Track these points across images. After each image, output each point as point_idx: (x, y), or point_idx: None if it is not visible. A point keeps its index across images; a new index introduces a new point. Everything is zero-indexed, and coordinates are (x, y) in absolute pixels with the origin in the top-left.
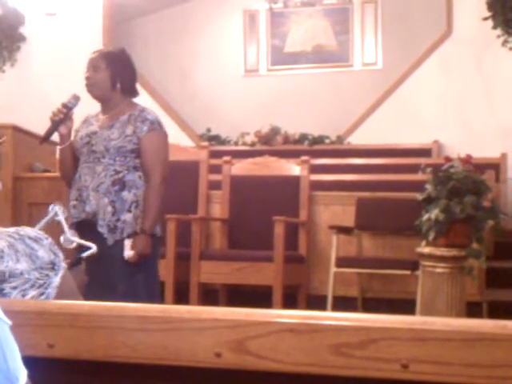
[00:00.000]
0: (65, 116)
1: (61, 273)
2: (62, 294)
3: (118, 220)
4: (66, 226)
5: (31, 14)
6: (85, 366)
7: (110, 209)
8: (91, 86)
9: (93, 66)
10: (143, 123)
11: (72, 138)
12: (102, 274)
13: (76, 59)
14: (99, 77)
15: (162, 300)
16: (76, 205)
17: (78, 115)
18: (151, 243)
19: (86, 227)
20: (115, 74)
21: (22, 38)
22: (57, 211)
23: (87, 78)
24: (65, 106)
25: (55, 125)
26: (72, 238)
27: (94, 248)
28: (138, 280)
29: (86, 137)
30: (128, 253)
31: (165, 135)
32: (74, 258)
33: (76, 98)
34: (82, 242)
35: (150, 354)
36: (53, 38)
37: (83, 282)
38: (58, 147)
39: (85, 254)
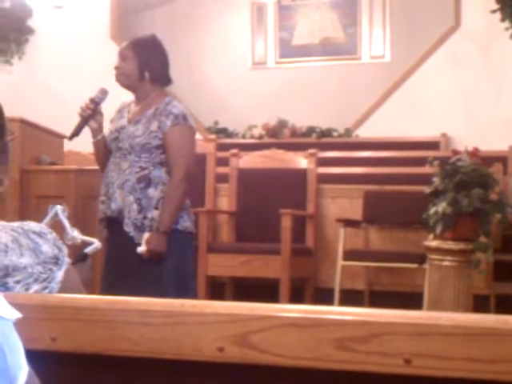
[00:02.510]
0: (93, 111)
1: (64, 267)
2: (65, 288)
3: (144, 218)
4: (67, 224)
5: (39, 7)
6: (87, 360)
7: (135, 207)
8: (120, 76)
9: (121, 55)
10: (167, 117)
11: (106, 129)
12: (128, 271)
13: (84, 52)
14: (127, 66)
15: (196, 295)
16: (104, 200)
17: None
18: (165, 241)
19: (114, 224)
20: (143, 63)
21: (30, 31)
22: (57, 211)
23: (116, 68)
24: (92, 100)
25: (84, 120)
26: (75, 236)
27: (97, 244)
28: (164, 279)
29: (115, 132)
30: (141, 248)
31: (189, 129)
32: (79, 254)
33: (104, 92)
34: (86, 238)
35: (153, 348)
36: (61, 31)
37: (89, 278)
38: (92, 141)
39: (89, 250)
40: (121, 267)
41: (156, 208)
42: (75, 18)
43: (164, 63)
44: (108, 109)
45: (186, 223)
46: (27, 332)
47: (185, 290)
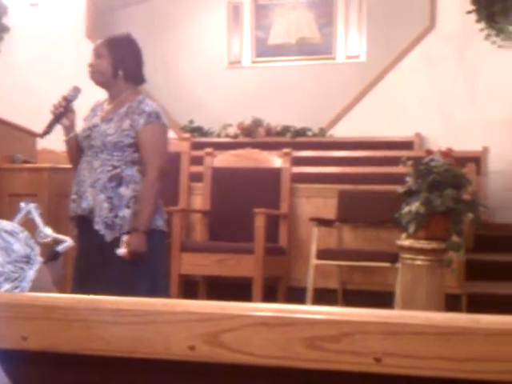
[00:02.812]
0: (65, 109)
1: (36, 267)
2: (36, 287)
3: (116, 216)
4: (39, 222)
5: (14, 5)
6: (59, 359)
7: (106, 205)
8: (94, 74)
9: (96, 53)
10: (140, 116)
11: (80, 127)
12: (100, 271)
13: (60, 50)
14: (101, 64)
15: (168, 294)
16: (75, 199)
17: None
18: (146, 241)
19: (84, 223)
20: (117, 61)
21: (6, 29)
22: (30, 209)
23: (90, 65)
24: (65, 98)
25: (56, 118)
26: (47, 233)
27: (69, 242)
28: (136, 277)
29: (88, 130)
30: (120, 250)
31: (162, 127)
32: (51, 252)
33: (76, 90)
34: (59, 236)
35: (125, 347)
36: (36, 29)
37: (60, 276)
38: (64, 139)
39: (61, 248)
40: (91, 266)
41: (127, 207)
42: (51, 15)
43: (138, 62)
44: (83, 106)
45: (158, 222)
46: None
47: (156, 290)
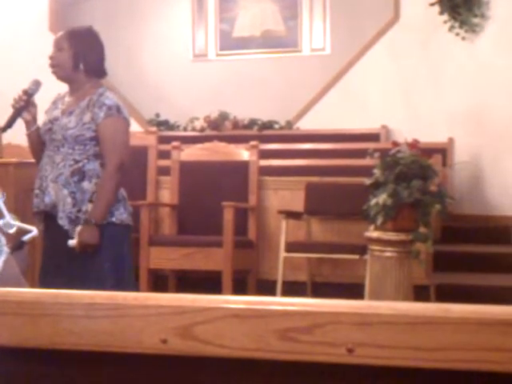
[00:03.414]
0: (26, 102)
1: (3, 257)
2: (4, 278)
3: (79, 211)
4: (5, 211)
5: None
6: (30, 354)
7: (69, 200)
8: (54, 67)
9: (57, 45)
10: (100, 109)
11: (41, 121)
12: (64, 265)
13: (21, 43)
14: (62, 57)
15: (136, 288)
16: (38, 194)
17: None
18: (97, 233)
19: (47, 218)
20: (78, 55)
21: None
22: None
23: (50, 58)
24: (25, 92)
25: (17, 112)
26: (12, 222)
27: (34, 231)
28: (102, 270)
29: (49, 123)
30: (72, 241)
31: (123, 120)
32: (16, 241)
33: (37, 84)
34: (23, 225)
35: (97, 341)
36: None
37: (26, 265)
38: (25, 133)
39: (26, 238)
40: (57, 261)
41: (90, 201)
42: (13, 7)
43: (100, 55)
44: (44, 100)
45: (122, 216)
46: None
47: (123, 284)
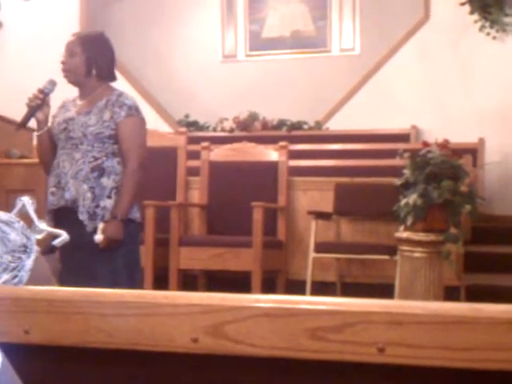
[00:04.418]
0: (41, 102)
1: (33, 256)
2: (35, 277)
3: (97, 206)
4: (35, 217)
5: (7, 0)
6: (61, 352)
7: (89, 195)
8: (66, 72)
9: (69, 50)
10: (121, 108)
11: (50, 123)
12: (81, 261)
13: (53, 45)
14: (74, 62)
15: (142, 286)
16: (54, 192)
17: (57, 100)
18: (123, 229)
19: (64, 214)
20: (91, 60)
21: None
22: (24, 203)
23: (62, 63)
24: (41, 91)
25: (32, 111)
26: (42, 228)
27: (65, 236)
28: (117, 266)
29: (64, 123)
30: (98, 236)
31: (142, 121)
32: (47, 245)
33: (52, 83)
34: (54, 230)
35: (127, 340)
36: (29, 24)
37: (56, 269)
38: (36, 133)
39: (57, 242)
40: (74, 257)
41: (108, 197)
42: (44, 10)
43: (111, 60)
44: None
45: (136, 214)
46: (0, 325)
47: (134, 280)
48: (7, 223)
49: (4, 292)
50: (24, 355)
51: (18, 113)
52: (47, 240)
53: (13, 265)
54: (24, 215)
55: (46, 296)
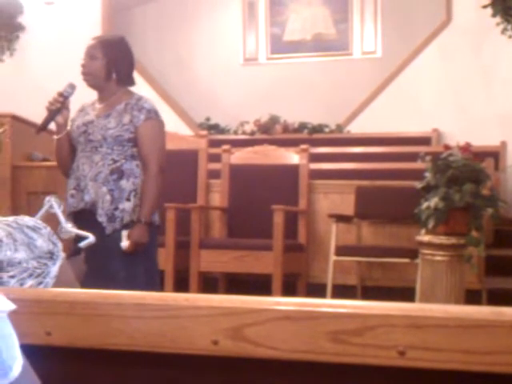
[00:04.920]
0: (61, 105)
1: (59, 262)
2: (60, 283)
3: (116, 209)
4: (62, 218)
5: (30, 3)
6: (82, 354)
7: (108, 197)
8: (86, 75)
9: (89, 54)
10: (140, 112)
11: (68, 127)
12: (101, 263)
13: (75, 48)
14: (94, 66)
15: (161, 288)
16: (74, 194)
17: (75, 103)
18: (148, 232)
19: (83, 217)
20: (111, 64)
21: (21, 28)
22: (52, 203)
23: (83, 66)
24: (61, 94)
25: (52, 114)
26: (69, 229)
27: (91, 238)
28: (136, 269)
29: (83, 126)
30: (124, 243)
31: (161, 124)
32: (73, 248)
33: (72, 87)
34: (80, 232)
35: (148, 342)
36: (52, 27)
37: (82, 271)
38: (55, 137)
39: (83, 244)
40: (93, 259)
41: (127, 199)
42: (66, 14)
43: (131, 65)
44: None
45: (155, 217)
46: (22, 327)
47: (152, 283)
48: (34, 229)
49: (26, 294)
50: (46, 357)
51: (39, 116)
52: (69, 242)
53: (38, 271)
54: (47, 216)
55: (67, 298)
